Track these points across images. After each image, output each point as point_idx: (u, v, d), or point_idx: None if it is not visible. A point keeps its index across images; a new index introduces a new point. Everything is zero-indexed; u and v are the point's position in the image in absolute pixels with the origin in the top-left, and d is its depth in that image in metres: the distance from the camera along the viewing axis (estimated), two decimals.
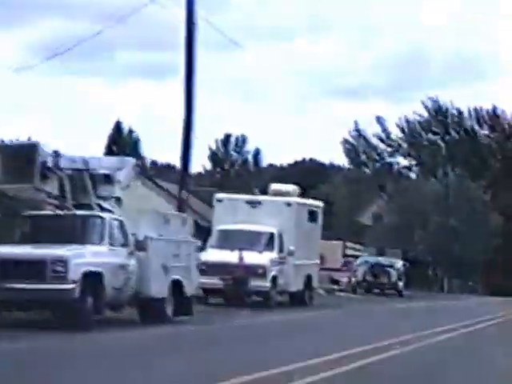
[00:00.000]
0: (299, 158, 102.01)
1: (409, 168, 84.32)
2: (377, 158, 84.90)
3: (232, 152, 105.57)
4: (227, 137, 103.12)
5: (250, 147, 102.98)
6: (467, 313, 33.18)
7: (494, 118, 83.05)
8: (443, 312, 34.62)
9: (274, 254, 29.00)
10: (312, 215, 31.94)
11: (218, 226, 29.82)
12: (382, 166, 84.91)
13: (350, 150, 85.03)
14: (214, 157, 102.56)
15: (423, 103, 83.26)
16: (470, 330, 22.59)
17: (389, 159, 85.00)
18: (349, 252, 65.61)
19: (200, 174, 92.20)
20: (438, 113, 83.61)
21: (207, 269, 27.90)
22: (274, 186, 31.67)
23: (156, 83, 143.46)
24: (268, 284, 28.14)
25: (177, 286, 19.85)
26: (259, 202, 30.32)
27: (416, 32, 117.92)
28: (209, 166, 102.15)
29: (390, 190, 77.25)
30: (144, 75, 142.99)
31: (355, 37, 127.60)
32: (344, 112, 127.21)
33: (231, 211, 29.84)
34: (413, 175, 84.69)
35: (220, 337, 18.08)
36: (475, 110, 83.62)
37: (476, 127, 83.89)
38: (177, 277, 19.85)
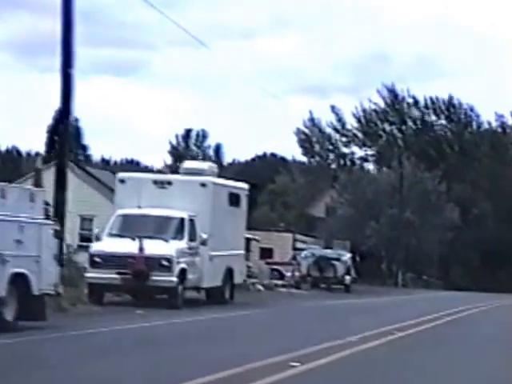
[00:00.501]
0: (260, 153, 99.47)
1: (364, 159, 79.93)
2: (331, 148, 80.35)
3: (193, 147, 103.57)
4: (188, 132, 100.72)
5: (211, 142, 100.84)
6: (411, 310, 28.47)
7: (450, 108, 78.85)
8: (383, 310, 30.01)
9: (182, 244, 24.07)
10: (234, 198, 26.95)
11: (119, 210, 24.80)
12: (337, 156, 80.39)
13: (304, 140, 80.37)
14: (174, 151, 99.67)
15: (379, 92, 78.97)
16: (399, 336, 17.75)
17: (344, 150, 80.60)
18: (299, 245, 61.08)
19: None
20: (394, 102, 79.24)
21: (102, 261, 23.06)
22: (187, 164, 26.60)
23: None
24: (174, 279, 23.20)
25: (20, 281, 14.89)
26: (169, 183, 25.30)
27: (377, 31, 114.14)
28: (169, 160, 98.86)
29: (343, 181, 72.68)
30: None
31: (317, 35, 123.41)
32: (305, 108, 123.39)
33: (135, 193, 24.73)
34: (369, 166, 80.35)
35: (60, 350, 13.16)
36: (431, 99, 79.38)
37: (433, 117, 79.67)
38: (20, 270, 14.89)
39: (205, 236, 24.41)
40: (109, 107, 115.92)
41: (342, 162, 79.50)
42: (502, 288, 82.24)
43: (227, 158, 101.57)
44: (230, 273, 26.49)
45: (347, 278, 46.35)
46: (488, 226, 77.06)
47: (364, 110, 79.06)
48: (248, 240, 63.89)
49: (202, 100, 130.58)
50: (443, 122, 79.32)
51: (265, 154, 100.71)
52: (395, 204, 66.90)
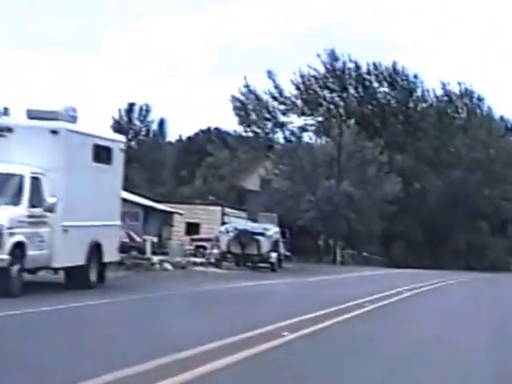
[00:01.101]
0: (204, 128, 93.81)
1: (304, 128, 73.73)
2: (269, 117, 74.04)
3: (136, 121, 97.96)
4: (131, 106, 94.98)
5: (155, 117, 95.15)
6: (336, 296, 22.53)
7: (393, 75, 72.98)
8: (303, 294, 24.05)
9: (20, 210, 17.63)
10: (102, 153, 20.42)
11: None
12: (275, 126, 74.17)
13: (240, 109, 73.95)
14: (116, 126, 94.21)
15: (319, 56, 72.82)
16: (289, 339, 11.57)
17: (282, 118, 74.37)
18: (229, 220, 55.04)
19: None
20: (335, 67, 73.16)
21: None
22: (33, 105, 19.91)
23: None
24: (4, 256, 16.81)
25: None
26: (8, 129, 18.76)
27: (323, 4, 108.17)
28: None
29: (278, 151, 66.63)
30: None
31: (265, 9, 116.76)
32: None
33: None
34: (309, 136, 74.20)
35: None
36: (374, 65, 73.53)
37: (375, 84, 73.82)
38: None
39: (52, 200, 17.98)
40: (50, 80, 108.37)
41: (280, 131, 73.45)
42: (445, 265, 77.19)
43: (171, 133, 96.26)
44: (97, 249, 20.10)
45: (273, 255, 40.16)
46: (431, 199, 71.65)
47: (302, 76, 72.94)
48: (169, 214, 58.24)
49: (146, 74, 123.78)
50: (386, 89, 73.53)
51: (209, 129, 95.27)
52: (333, 176, 61.03)
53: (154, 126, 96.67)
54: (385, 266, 68.41)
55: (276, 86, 73.02)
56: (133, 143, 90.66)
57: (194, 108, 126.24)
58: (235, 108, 73.44)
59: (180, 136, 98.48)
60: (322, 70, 73.02)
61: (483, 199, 72.45)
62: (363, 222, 63.01)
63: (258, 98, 73.07)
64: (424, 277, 44.15)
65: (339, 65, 72.66)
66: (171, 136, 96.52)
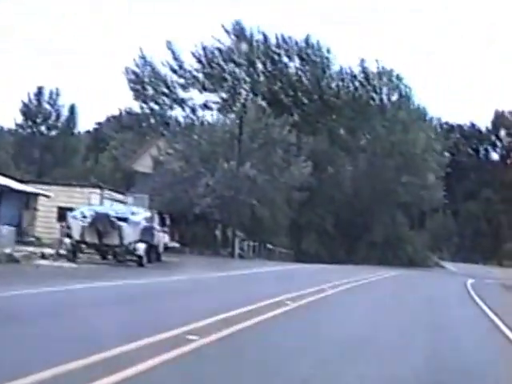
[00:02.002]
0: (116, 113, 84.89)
1: (205, 105, 64.58)
2: (166, 91, 64.72)
3: (46, 105, 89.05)
4: (40, 89, 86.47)
5: (65, 101, 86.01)
6: (164, 317, 13.74)
7: (306, 49, 64.49)
8: (155, 302, 15.47)
9: None
10: None
11: None
12: (174, 101, 64.90)
13: (135, 82, 64.44)
14: (25, 110, 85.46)
15: (223, 27, 63.89)
16: None
17: (182, 94, 65.16)
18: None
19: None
20: (242, 38, 64.34)
21: None
22: None
23: None
24: None
25: None
26: None
27: None
28: (20, 119, 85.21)
29: (173, 128, 57.53)
30: None
31: None
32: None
33: None
34: (212, 114, 65.07)
35: None
36: (284, 38, 64.94)
37: (285, 59, 65.26)
38: None
39: None
40: None
41: (179, 108, 64.21)
42: (360, 259, 69.29)
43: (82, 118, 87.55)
44: None
45: (140, 246, 30.91)
46: (346, 187, 63.53)
47: (205, 48, 63.95)
48: (33, 196, 48.61)
49: (56, 59, 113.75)
50: (297, 64, 65.03)
51: (120, 113, 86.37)
52: (234, 157, 52.18)
53: (65, 112, 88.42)
54: (292, 261, 60.07)
55: (175, 58, 63.87)
56: (43, 128, 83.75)
57: (104, 93, 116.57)
58: (130, 81, 63.94)
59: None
60: (228, 41, 64.32)
61: (402, 188, 64.69)
62: (268, 210, 54.38)
63: (154, 70, 63.73)
64: (330, 275, 36.01)
65: (246, 36, 63.83)
66: (85, 122, 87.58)
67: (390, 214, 67.06)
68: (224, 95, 62.89)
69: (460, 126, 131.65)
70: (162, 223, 37.27)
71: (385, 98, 65.81)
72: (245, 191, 51.77)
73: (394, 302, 23.87)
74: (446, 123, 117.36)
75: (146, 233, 32.21)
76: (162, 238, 36.47)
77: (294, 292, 20.76)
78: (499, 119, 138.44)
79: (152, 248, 33.36)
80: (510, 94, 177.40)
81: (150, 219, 33.59)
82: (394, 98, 66.03)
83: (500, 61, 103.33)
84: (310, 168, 55.80)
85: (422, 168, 64.28)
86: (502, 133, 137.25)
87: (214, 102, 63.72)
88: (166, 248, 38.35)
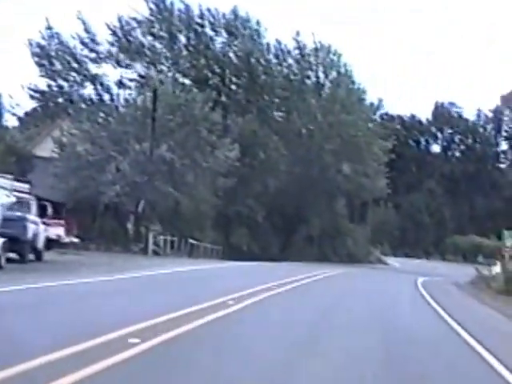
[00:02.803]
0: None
1: (121, 82, 55.89)
2: (76, 67, 55.99)
3: None
4: None
5: None
6: None
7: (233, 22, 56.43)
8: None
9: None
10: None
11: None
12: (85, 78, 56.20)
13: (40, 56, 55.59)
14: None
15: None
16: None
17: (94, 70, 56.50)
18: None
19: None
20: (161, 10, 56.07)
21: None
22: None
23: None
24: None
25: None
26: None
27: None
28: None
29: (78, 107, 49.03)
30: None
31: None
32: None
33: None
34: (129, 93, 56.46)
35: None
36: (209, 11, 56.89)
37: (210, 32, 57.08)
38: None
39: None
40: None
41: (91, 86, 55.54)
42: (295, 255, 61.73)
43: None
44: None
45: None
46: (279, 174, 55.74)
47: (121, 19, 55.52)
48: None
49: None
50: (224, 39, 56.95)
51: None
52: (148, 137, 43.92)
53: None
54: (220, 258, 52.17)
55: (87, 30, 55.26)
56: None
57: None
58: (34, 55, 55.07)
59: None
60: (146, 12, 55.96)
61: (342, 175, 57.19)
62: (189, 199, 46.25)
63: (63, 43, 55.00)
64: (252, 277, 28.50)
65: (166, 6, 55.58)
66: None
67: (329, 205, 59.59)
68: (142, 71, 54.54)
69: (400, 117, 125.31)
70: (43, 212, 29.08)
71: (322, 76, 58.18)
72: (161, 177, 43.62)
73: (333, 321, 15.99)
74: (386, 114, 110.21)
75: (8, 224, 23.88)
76: (42, 231, 28.22)
77: (193, 305, 13.94)
78: (439, 110, 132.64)
79: (22, 244, 25.10)
80: (449, 86, 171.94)
81: (18, 206, 25.32)
82: (332, 76, 58.41)
83: (500, 60, 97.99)
84: (238, 151, 47.80)
85: (364, 153, 56.86)
86: (443, 124, 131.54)
87: (130, 79, 55.33)
88: (63, 244, 30.16)
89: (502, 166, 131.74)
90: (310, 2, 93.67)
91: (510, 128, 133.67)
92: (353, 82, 57.49)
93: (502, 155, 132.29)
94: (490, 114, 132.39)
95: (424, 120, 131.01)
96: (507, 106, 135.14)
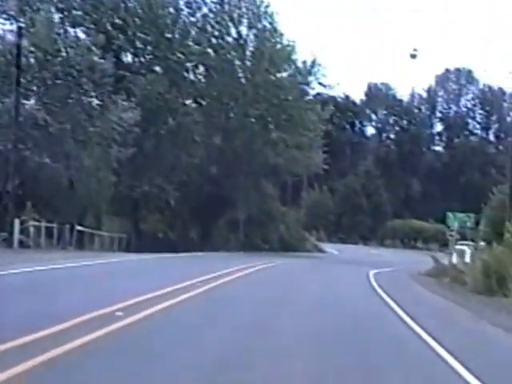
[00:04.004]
0: None
1: None
2: None
3: None
4: None
5: None
6: None
7: None
8: None
9: None
10: None
11: None
12: None
13: None
14: None
15: None
16: None
17: None
18: None
19: None
20: None
21: None
22: None
23: None
24: None
25: None
26: None
27: None
28: None
29: None
30: None
31: None
32: None
33: None
34: None
35: None
36: None
37: None
38: None
39: None
40: None
41: None
42: (220, 243, 50.35)
43: None
44: None
45: None
46: (195, 145, 43.86)
47: None
48: None
49: None
50: None
51: None
52: (12, 91, 31.65)
53: None
54: (123, 249, 40.37)
55: None
56: None
57: None
58: None
59: None
60: None
61: (270, 147, 45.76)
62: (75, 173, 34.15)
63: None
64: (143, 279, 17.61)
65: None
66: None
67: (257, 184, 48.15)
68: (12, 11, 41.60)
69: (334, 98, 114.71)
70: None
71: (245, 29, 46.43)
72: (31, 144, 31.50)
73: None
74: (319, 94, 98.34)
75: None
76: None
77: None
78: (372, 91, 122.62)
79: None
80: (382, 66, 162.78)
81: None
82: (257, 30, 46.66)
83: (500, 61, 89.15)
84: (138, 114, 35.80)
85: (296, 121, 45.44)
86: (376, 106, 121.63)
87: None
88: None
89: (438, 148, 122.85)
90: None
91: (444, 109, 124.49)
92: (281, 36, 45.93)
93: (437, 137, 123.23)
94: (425, 94, 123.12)
95: (358, 101, 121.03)
96: (442, 86, 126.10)
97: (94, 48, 33.41)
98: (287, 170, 47.28)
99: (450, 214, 76.25)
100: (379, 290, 22.16)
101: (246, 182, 45.99)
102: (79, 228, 35.68)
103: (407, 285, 28.56)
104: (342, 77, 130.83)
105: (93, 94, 33.06)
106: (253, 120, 44.35)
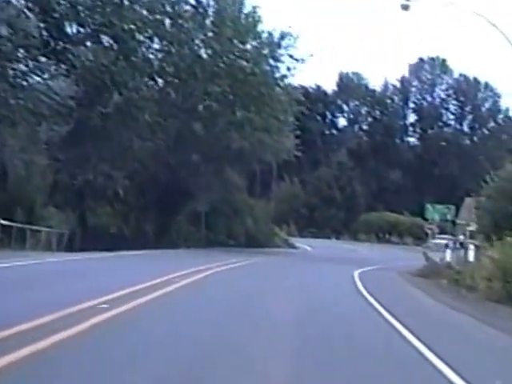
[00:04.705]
0: None
1: None
2: None
3: None
4: None
5: None
6: None
7: None
8: None
9: None
10: None
11: None
12: None
13: None
14: None
15: None
16: None
17: None
18: None
19: None
20: None
21: None
22: None
23: None
24: None
25: None
26: None
27: None
28: None
29: None
30: None
31: None
32: None
33: None
34: None
35: None
36: None
37: None
38: None
39: None
40: None
41: None
42: (180, 239, 43.95)
43: None
44: None
45: None
46: (147, 126, 37.15)
47: None
48: None
49: None
50: None
51: None
52: None
53: None
54: (63, 248, 33.80)
55: None
56: None
57: None
58: None
59: None
60: None
61: (235, 131, 39.32)
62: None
63: None
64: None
65: None
66: None
67: (220, 172, 41.67)
68: None
69: (304, 88, 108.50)
70: None
71: None
72: None
73: None
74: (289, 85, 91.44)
75: None
76: None
77: None
78: (344, 81, 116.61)
79: None
80: (354, 56, 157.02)
81: None
82: None
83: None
84: (74, 84, 29.15)
85: (264, 100, 39.01)
86: (348, 96, 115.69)
87: None
88: None
89: (411, 139, 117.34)
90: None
91: (417, 99, 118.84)
92: (243, 6, 39.30)
93: (411, 128, 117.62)
94: (398, 84, 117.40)
95: (329, 91, 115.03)
96: (415, 76, 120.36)
97: (26, 11, 26.70)
98: (254, 155, 40.77)
99: (428, 206, 70.02)
100: (371, 299, 16.12)
101: (207, 170, 39.48)
102: (3, 222, 28.93)
103: (401, 289, 22.42)
104: (313, 66, 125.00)
105: (9, 53, 26.38)
106: (213, 97, 37.84)
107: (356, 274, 25.57)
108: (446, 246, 72.02)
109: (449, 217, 74.92)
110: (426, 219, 74.19)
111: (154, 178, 39.98)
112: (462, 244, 75.26)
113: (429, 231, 75.11)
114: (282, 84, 40.06)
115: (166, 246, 38.39)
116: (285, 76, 40.22)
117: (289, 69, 40.17)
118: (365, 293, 18.05)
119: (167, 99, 36.84)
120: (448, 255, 31.32)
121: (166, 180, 40.07)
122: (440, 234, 77.59)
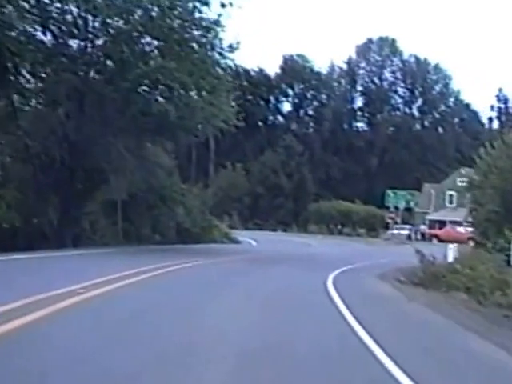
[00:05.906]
0: None
1: None
2: None
3: None
4: None
5: None
6: None
7: None
8: None
9: None
10: None
11: None
12: None
13: None
14: None
15: None
16: None
17: None
18: None
19: None
20: None
21: None
22: None
23: None
24: None
25: None
26: None
27: None
28: None
29: None
30: None
31: None
32: None
33: None
34: None
35: None
36: None
37: None
38: None
39: None
40: None
41: None
42: (90, 233, 33.68)
43: None
44: None
45: None
46: (53, 92, 26.75)
47: None
48: None
49: None
50: None
51: None
52: None
53: None
54: None
55: None
56: None
57: None
58: None
59: None
60: None
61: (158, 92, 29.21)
62: None
63: None
64: None
65: None
66: None
67: (138, 148, 31.45)
68: None
69: (247, 72, 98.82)
70: None
71: None
72: None
73: None
74: (230, 68, 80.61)
75: None
76: None
77: None
78: (288, 64, 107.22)
79: None
80: (298, 36, 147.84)
81: None
82: None
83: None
84: None
85: (195, 55, 28.96)
86: (293, 80, 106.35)
87: None
88: None
89: (360, 124, 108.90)
90: None
91: (366, 82, 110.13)
92: None
93: (359, 112, 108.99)
94: (345, 66, 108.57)
95: (273, 75, 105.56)
96: (363, 58, 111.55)
97: None
98: (184, 125, 30.55)
99: (389, 193, 60.03)
100: (366, 340, 6.21)
101: (120, 146, 29.19)
102: None
103: (409, 314, 12.63)
104: (255, 49, 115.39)
105: None
106: (138, 56, 27.65)
107: (330, 285, 15.88)
108: (409, 237, 63.02)
109: (412, 204, 66.04)
110: (386, 207, 65.11)
111: (54, 160, 29.58)
112: (423, 235, 66.10)
113: (390, 220, 66.07)
114: (221, 62, 30.00)
115: (75, 244, 28.68)
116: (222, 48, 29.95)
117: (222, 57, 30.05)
118: (350, 319, 8.16)
119: (60, 49, 26.47)
120: (451, 253, 21.84)
121: (71, 163, 29.72)
122: (396, 223, 68.91)
